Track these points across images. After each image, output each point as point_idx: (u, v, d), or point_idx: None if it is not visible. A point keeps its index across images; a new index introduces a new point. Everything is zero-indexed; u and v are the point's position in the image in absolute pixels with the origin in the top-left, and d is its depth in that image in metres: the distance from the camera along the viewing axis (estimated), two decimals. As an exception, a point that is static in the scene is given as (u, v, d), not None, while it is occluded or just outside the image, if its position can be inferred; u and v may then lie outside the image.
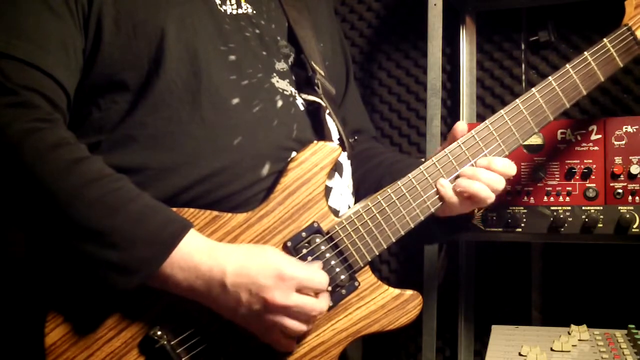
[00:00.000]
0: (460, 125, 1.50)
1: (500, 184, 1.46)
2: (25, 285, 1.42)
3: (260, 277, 1.28)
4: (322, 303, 1.35)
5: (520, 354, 1.68)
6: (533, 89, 1.50)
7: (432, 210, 1.46)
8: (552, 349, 1.70)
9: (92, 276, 1.25)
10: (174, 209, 1.31)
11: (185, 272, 1.27)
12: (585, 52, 1.54)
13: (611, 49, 1.55)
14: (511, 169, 1.47)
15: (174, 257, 1.26)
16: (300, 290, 1.31)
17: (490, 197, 1.46)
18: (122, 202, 1.25)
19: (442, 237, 1.72)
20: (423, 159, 2.00)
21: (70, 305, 1.29)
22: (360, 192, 1.66)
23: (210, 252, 1.29)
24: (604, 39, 1.55)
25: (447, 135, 2.34)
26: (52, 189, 1.21)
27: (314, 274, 1.34)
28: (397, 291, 1.46)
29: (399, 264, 2.47)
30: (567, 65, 1.52)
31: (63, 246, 1.25)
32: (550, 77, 1.51)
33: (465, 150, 1.47)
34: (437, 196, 1.46)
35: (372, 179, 1.67)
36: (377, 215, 1.43)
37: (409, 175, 1.45)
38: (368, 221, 1.42)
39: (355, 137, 1.71)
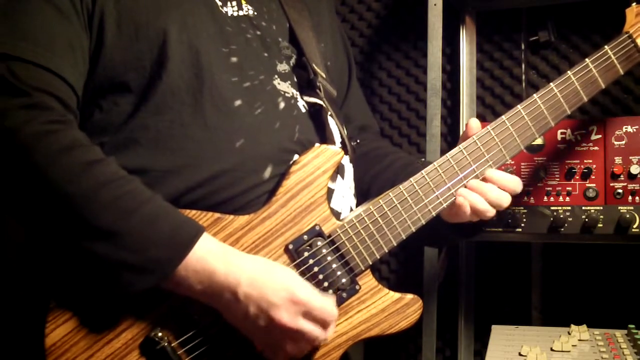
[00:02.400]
0: (473, 122, 1.51)
1: (505, 201, 1.48)
2: (26, 286, 1.42)
3: (272, 295, 1.28)
4: (326, 333, 1.34)
5: (520, 354, 1.68)
6: (535, 94, 1.50)
7: (434, 214, 1.46)
8: (552, 349, 1.70)
9: (106, 277, 1.25)
10: None
11: (199, 276, 1.27)
12: (587, 59, 1.54)
13: (612, 56, 1.55)
14: (518, 186, 1.49)
15: (189, 260, 1.26)
16: (307, 316, 1.31)
17: (490, 212, 1.47)
18: (137, 204, 1.25)
19: (452, 241, 1.71)
20: (423, 159, 2.00)
21: (71, 306, 1.29)
22: (371, 193, 1.66)
23: (225, 258, 1.29)
24: (605, 46, 1.55)
25: (447, 136, 2.37)
26: (66, 191, 1.21)
27: (326, 304, 1.33)
28: (397, 295, 1.46)
29: (399, 264, 2.47)
30: (568, 72, 1.53)
31: (75, 247, 1.24)
32: (551, 84, 1.51)
33: (466, 155, 1.47)
34: (439, 200, 1.46)
35: (383, 181, 1.67)
36: (379, 219, 1.43)
37: (411, 179, 1.45)
38: (370, 225, 1.43)
39: (358, 140, 1.71)
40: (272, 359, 1.35)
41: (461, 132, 2.17)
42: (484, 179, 1.48)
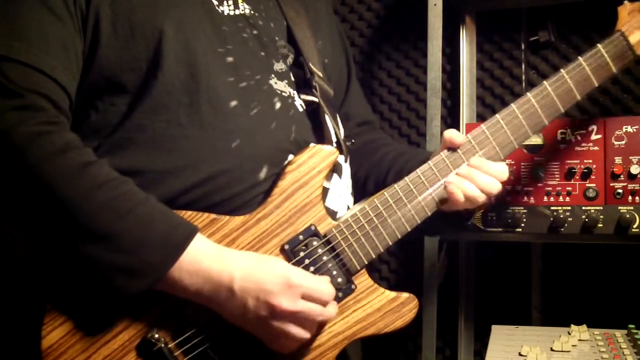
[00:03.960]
0: (448, 134, 1.49)
1: (494, 188, 1.47)
2: (23, 288, 1.42)
3: (268, 283, 1.28)
4: (329, 310, 1.35)
5: (520, 354, 1.68)
6: (528, 93, 1.50)
7: (429, 213, 1.46)
8: (552, 349, 1.69)
9: (100, 280, 1.25)
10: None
11: (193, 276, 1.27)
12: (580, 57, 1.54)
13: (605, 54, 1.55)
14: (503, 174, 1.48)
15: (182, 261, 1.26)
16: (306, 297, 1.31)
17: (481, 197, 1.46)
18: (130, 206, 1.25)
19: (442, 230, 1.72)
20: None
21: (67, 308, 1.29)
22: (368, 187, 1.67)
23: (218, 257, 1.29)
24: (598, 45, 1.56)
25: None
26: (60, 193, 1.21)
27: (321, 284, 1.34)
28: (393, 294, 1.45)
29: (398, 264, 2.47)
30: (561, 70, 1.53)
31: (69, 250, 1.24)
32: (545, 82, 1.51)
33: (461, 154, 1.47)
34: (432, 197, 1.46)
35: (377, 173, 1.68)
36: (374, 218, 1.43)
37: (406, 178, 1.45)
38: (365, 224, 1.43)
39: (353, 140, 1.71)
40: (280, 349, 1.35)
41: (461, 132, 2.17)
42: (470, 166, 1.47)
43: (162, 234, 1.26)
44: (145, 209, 1.26)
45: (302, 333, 1.33)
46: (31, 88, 1.25)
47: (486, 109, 2.35)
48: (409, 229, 1.45)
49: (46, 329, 1.28)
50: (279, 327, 1.31)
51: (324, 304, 1.34)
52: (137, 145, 1.35)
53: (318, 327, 1.37)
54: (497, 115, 1.49)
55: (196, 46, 1.38)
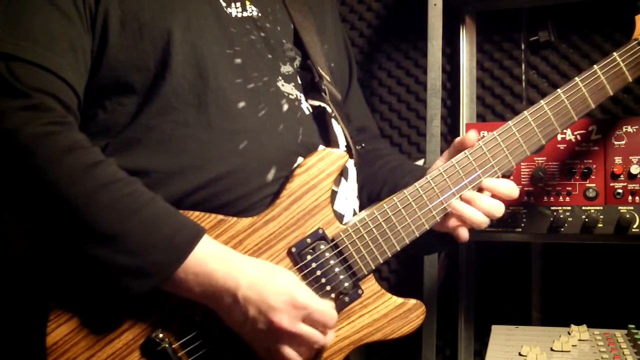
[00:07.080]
0: (471, 134, 1.48)
1: (499, 212, 1.47)
2: (27, 285, 1.42)
3: (272, 298, 1.28)
4: (326, 338, 1.34)
5: (520, 354, 1.69)
6: (542, 101, 1.48)
7: (438, 219, 1.45)
8: (552, 349, 1.71)
9: (105, 280, 1.25)
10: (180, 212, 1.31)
11: (199, 278, 1.27)
12: (595, 66, 1.52)
13: (621, 63, 1.53)
14: (514, 192, 1.47)
15: (188, 263, 1.26)
16: (308, 320, 1.30)
17: (486, 223, 1.46)
18: (137, 206, 1.24)
19: (438, 249, 1.72)
20: (423, 159, 2.00)
21: (72, 306, 1.29)
22: (362, 198, 1.66)
23: (225, 260, 1.29)
24: (614, 53, 1.54)
25: (447, 136, 2.37)
26: (67, 193, 1.21)
27: (326, 308, 1.32)
28: (400, 300, 1.46)
29: (399, 264, 2.47)
30: (576, 78, 1.51)
31: (75, 250, 1.24)
32: (559, 90, 1.49)
33: (472, 161, 1.46)
34: (444, 206, 1.45)
35: (371, 186, 1.68)
36: (383, 223, 1.43)
37: (416, 184, 1.45)
38: (373, 229, 1.42)
39: (362, 145, 1.70)
40: None
41: (461, 132, 2.18)
42: (480, 190, 1.47)
43: (169, 235, 1.25)
44: (151, 209, 1.26)
45: (294, 357, 1.32)
46: (39, 87, 1.24)
47: (486, 109, 2.36)
48: (418, 235, 1.45)
49: (51, 325, 1.28)
50: (273, 345, 1.31)
51: (325, 330, 1.33)
52: (145, 146, 1.35)
53: (313, 353, 1.36)
54: (509, 123, 1.47)
55: (204, 47, 1.38)
